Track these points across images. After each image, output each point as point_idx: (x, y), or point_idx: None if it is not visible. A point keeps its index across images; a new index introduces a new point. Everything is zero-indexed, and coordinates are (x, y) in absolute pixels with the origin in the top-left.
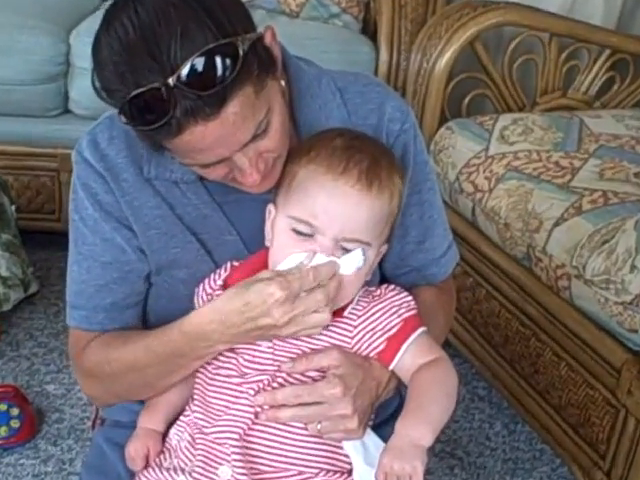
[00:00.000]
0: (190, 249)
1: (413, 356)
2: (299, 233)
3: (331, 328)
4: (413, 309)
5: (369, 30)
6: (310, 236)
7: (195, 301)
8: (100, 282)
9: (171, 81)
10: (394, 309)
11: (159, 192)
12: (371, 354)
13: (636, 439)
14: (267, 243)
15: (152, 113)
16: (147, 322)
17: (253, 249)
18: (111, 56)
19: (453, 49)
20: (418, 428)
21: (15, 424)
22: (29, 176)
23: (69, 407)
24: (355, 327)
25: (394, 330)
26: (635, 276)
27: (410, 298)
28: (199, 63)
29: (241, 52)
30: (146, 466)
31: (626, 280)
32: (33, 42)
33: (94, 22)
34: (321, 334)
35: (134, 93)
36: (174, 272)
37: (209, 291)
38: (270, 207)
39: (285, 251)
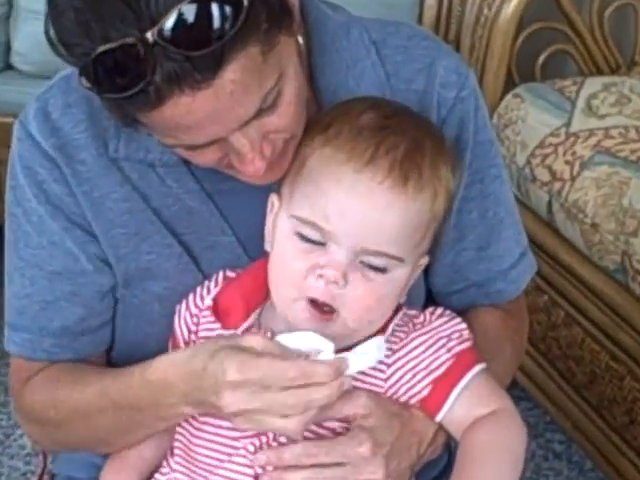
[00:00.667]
0: (168, 255)
1: (467, 405)
2: (306, 240)
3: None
4: (467, 340)
5: None
6: (321, 244)
7: (176, 324)
8: (47, 298)
9: (150, 35)
10: (442, 341)
11: (129, 178)
12: (412, 401)
13: None
14: (267, 247)
15: (124, 77)
16: (112, 350)
17: (254, 254)
18: None
19: None
20: None
21: None
22: None
23: (7, 458)
24: (390, 366)
25: (442, 369)
26: None
27: (464, 326)
28: (188, 12)
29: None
30: None
31: None
32: None
33: None
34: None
35: (101, 49)
36: (147, 285)
37: (194, 311)
38: (273, 198)
39: (285, 263)
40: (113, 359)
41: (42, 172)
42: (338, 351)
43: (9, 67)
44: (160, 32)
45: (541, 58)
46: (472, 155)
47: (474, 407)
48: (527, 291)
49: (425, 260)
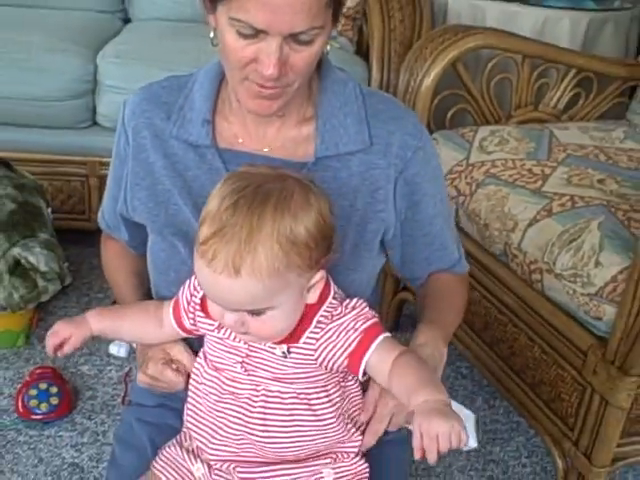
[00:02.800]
0: (186, 209)
1: (381, 359)
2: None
3: (293, 356)
4: (372, 318)
5: (362, 52)
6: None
7: (180, 294)
8: (111, 198)
9: None
10: (351, 324)
11: (175, 153)
12: (338, 370)
13: (600, 413)
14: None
15: None
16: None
17: None
18: None
19: (437, 69)
20: (436, 392)
21: (54, 401)
22: (62, 181)
23: (101, 386)
24: (315, 350)
25: (353, 345)
26: (599, 271)
27: (368, 309)
28: None
29: None
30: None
31: (591, 274)
32: (64, 63)
33: (118, 44)
34: (285, 361)
35: None
36: (171, 231)
37: (190, 296)
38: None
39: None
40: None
41: (121, 139)
42: None
43: (95, 124)
44: None
45: (449, 114)
46: (434, 185)
47: (387, 357)
48: None
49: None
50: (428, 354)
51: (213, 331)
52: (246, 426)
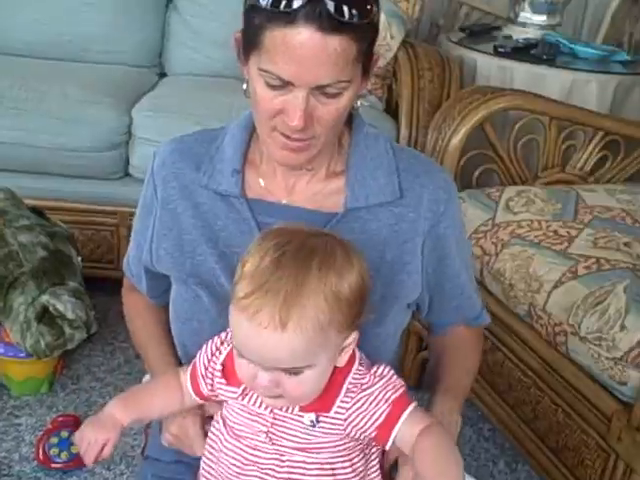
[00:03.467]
0: (211, 259)
1: (410, 431)
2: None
3: (322, 425)
4: (401, 387)
5: (391, 110)
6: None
7: (197, 359)
8: (136, 247)
9: None
10: (381, 394)
11: (204, 203)
12: (366, 440)
13: (624, 477)
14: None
15: None
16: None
17: None
18: None
19: (465, 129)
20: None
21: (75, 450)
22: (92, 230)
23: (122, 435)
24: (345, 420)
25: (383, 417)
26: (624, 334)
27: (395, 377)
28: None
29: (374, 19)
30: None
31: (617, 338)
32: (100, 115)
33: (153, 98)
34: (313, 430)
35: None
36: (195, 276)
37: (206, 364)
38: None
39: (241, 370)
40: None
41: (149, 189)
42: None
43: (128, 175)
44: None
45: (476, 173)
46: (460, 239)
47: (414, 429)
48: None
49: (355, 335)
50: (445, 425)
51: (237, 398)
52: None
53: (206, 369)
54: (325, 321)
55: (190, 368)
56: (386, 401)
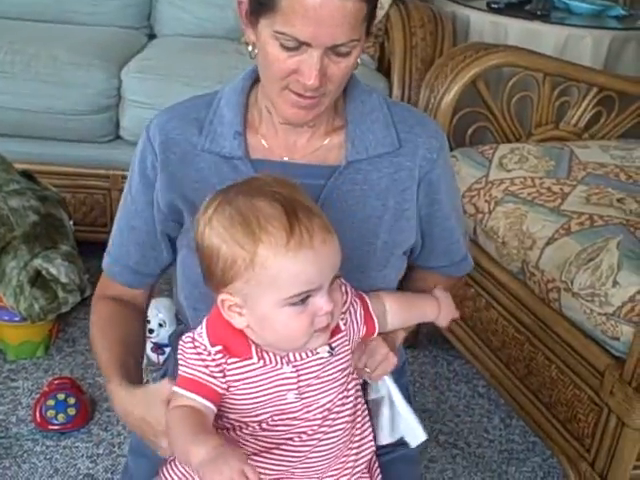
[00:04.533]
0: None
1: (378, 306)
2: (301, 303)
3: (337, 351)
4: (349, 288)
5: (383, 68)
6: (311, 297)
7: (189, 374)
8: (124, 241)
9: None
10: (350, 299)
11: (207, 167)
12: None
13: (617, 434)
14: (240, 326)
15: None
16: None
17: None
18: None
19: (457, 86)
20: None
21: (71, 412)
22: (84, 194)
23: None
24: (346, 335)
25: (362, 312)
26: (617, 290)
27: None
28: None
29: None
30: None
31: (609, 294)
32: (89, 77)
33: (142, 59)
34: (332, 361)
35: None
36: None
37: (202, 363)
38: (224, 298)
39: (296, 324)
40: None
41: (147, 160)
42: None
43: (118, 137)
44: None
45: (469, 131)
46: (451, 185)
47: (380, 303)
48: (459, 286)
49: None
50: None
51: (258, 363)
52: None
53: (206, 367)
54: None
55: (195, 391)
56: (355, 300)
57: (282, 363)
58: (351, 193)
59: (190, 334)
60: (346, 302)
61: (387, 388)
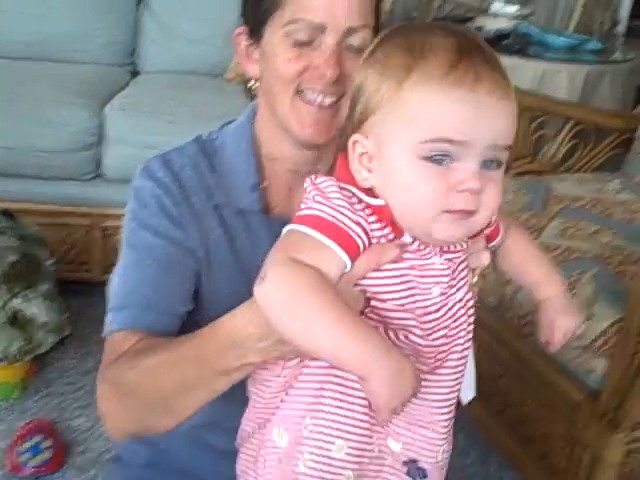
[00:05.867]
0: (232, 282)
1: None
2: (435, 161)
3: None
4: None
5: None
6: (448, 161)
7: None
8: (158, 283)
9: None
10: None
11: (224, 221)
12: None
13: (591, 469)
14: (365, 184)
15: None
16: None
17: None
18: None
19: None
20: (557, 284)
21: (46, 455)
22: (65, 232)
23: (94, 440)
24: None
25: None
26: (591, 323)
27: None
28: None
29: None
30: None
31: (583, 327)
32: (71, 115)
33: (125, 97)
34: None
35: None
36: (217, 304)
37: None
38: (357, 138)
39: (419, 189)
40: None
41: (165, 199)
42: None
43: (100, 175)
44: None
45: None
46: None
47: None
48: None
49: None
50: None
51: (412, 243)
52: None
53: (354, 212)
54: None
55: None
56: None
57: (434, 252)
58: None
59: (325, 178)
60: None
61: None
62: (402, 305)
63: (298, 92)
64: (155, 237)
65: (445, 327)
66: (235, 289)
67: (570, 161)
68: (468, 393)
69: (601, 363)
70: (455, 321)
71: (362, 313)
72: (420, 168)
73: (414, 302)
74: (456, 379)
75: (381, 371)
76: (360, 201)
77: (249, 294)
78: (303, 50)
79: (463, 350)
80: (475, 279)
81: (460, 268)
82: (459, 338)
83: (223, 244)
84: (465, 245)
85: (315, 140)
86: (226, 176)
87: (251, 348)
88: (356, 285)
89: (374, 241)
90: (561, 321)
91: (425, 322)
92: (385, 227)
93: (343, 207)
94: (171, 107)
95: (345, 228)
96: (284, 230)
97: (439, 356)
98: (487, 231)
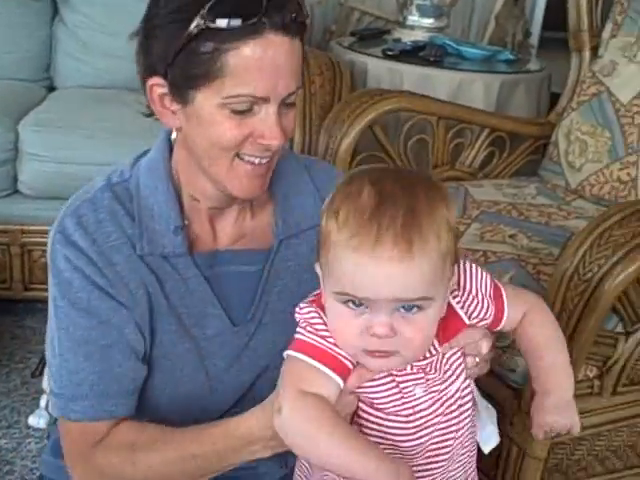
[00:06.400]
0: (170, 328)
1: (512, 307)
2: (349, 307)
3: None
4: (487, 274)
5: None
6: (363, 307)
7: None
8: (103, 368)
9: None
10: (480, 286)
11: (152, 268)
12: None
13: (519, 464)
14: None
15: (243, 10)
16: (159, 407)
17: (238, 321)
18: None
19: (355, 132)
20: (562, 383)
21: None
22: None
23: (20, 459)
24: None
25: (491, 301)
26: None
27: (477, 267)
28: None
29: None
30: None
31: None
32: None
33: (40, 112)
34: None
35: None
36: (161, 346)
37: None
38: (316, 268)
39: (340, 328)
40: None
41: (88, 269)
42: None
43: (17, 192)
44: None
45: None
46: None
47: (517, 306)
48: None
49: (454, 279)
50: None
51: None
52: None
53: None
54: (444, 248)
55: (325, 363)
56: (482, 293)
57: (404, 367)
58: (286, 272)
59: (307, 304)
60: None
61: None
62: (389, 406)
63: (237, 155)
64: (90, 317)
65: (435, 423)
66: (172, 334)
67: (488, 167)
68: (489, 441)
69: (522, 362)
70: (447, 415)
71: (356, 413)
72: (338, 310)
73: (402, 404)
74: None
75: (385, 476)
76: None
77: (186, 337)
78: (243, 118)
79: (458, 437)
80: (476, 365)
81: (448, 363)
82: (452, 426)
83: (156, 291)
84: (436, 350)
85: (253, 196)
86: (146, 222)
87: (264, 445)
88: (351, 393)
89: None
90: (545, 419)
91: (412, 421)
92: None
93: (328, 335)
94: (88, 122)
95: (334, 354)
96: (285, 354)
97: (430, 448)
98: (482, 324)
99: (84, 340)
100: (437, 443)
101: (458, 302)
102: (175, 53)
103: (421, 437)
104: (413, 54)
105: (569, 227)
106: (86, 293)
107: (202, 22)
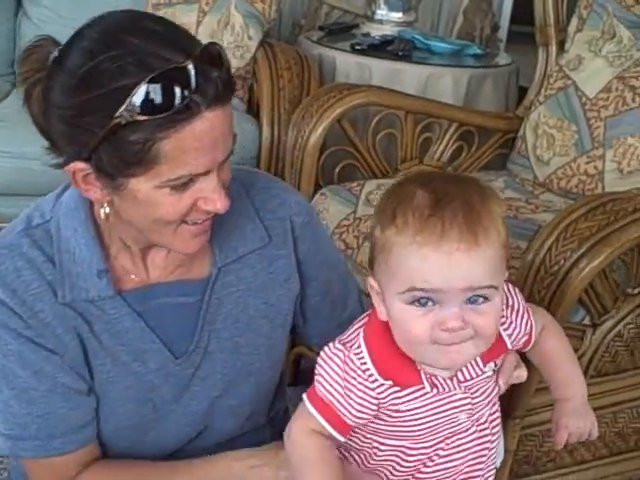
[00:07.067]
0: (102, 370)
1: (537, 322)
2: (419, 304)
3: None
4: (518, 291)
5: (253, 110)
6: (432, 304)
7: (332, 395)
8: (47, 410)
9: (191, 61)
10: (518, 305)
11: (78, 313)
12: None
13: None
14: (382, 317)
15: (172, 95)
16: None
17: (178, 352)
18: (111, 53)
19: (323, 126)
20: (578, 388)
21: None
22: None
23: None
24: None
25: (529, 323)
26: None
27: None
28: (213, 49)
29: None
30: None
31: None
32: None
33: (5, 108)
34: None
35: (157, 73)
36: (100, 391)
37: (361, 377)
38: (371, 282)
39: (410, 331)
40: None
41: (12, 323)
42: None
43: None
44: (199, 58)
45: (337, 169)
46: (325, 252)
47: (537, 321)
48: None
49: (506, 275)
50: None
51: (431, 390)
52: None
53: (359, 392)
54: (503, 240)
55: (319, 414)
56: (524, 307)
57: (454, 386)
58: (229, 298)
59: (341, 348)
60: (515, 310)
61: None
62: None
63: (183, 222)
64: (24, 367)
65: (469, 447)
66: (107, 373)
67: (457, 162)
68: (499, 456)
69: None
70: (481, 438)
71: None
72: (406, 312)
73: (443, 429)
74: None
75: None
76: (378, 384)
77: (126, 374)
78: (185, 190)
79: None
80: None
81: (486, 386)
82: (484, 450)
83: (86, 333)
84: (481, 370)
85: (198, 249)
86: (68, 266)
87: (249, 472)
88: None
89: (387, 392)
90: (568, 423)
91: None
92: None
93: (337, 390)
94: None
95: (335, 410)
96: (304, 396)
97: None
98: (516, 348)
99: (24, 388)
100: (471, 465)
101: (502, 324)
102: (99, 142)
103: (454, 460)
104: (381, 48)
105: (537, 220)
106: (16, 345)
107: (127, 115)
